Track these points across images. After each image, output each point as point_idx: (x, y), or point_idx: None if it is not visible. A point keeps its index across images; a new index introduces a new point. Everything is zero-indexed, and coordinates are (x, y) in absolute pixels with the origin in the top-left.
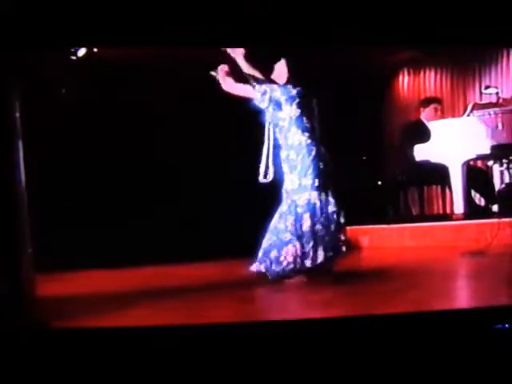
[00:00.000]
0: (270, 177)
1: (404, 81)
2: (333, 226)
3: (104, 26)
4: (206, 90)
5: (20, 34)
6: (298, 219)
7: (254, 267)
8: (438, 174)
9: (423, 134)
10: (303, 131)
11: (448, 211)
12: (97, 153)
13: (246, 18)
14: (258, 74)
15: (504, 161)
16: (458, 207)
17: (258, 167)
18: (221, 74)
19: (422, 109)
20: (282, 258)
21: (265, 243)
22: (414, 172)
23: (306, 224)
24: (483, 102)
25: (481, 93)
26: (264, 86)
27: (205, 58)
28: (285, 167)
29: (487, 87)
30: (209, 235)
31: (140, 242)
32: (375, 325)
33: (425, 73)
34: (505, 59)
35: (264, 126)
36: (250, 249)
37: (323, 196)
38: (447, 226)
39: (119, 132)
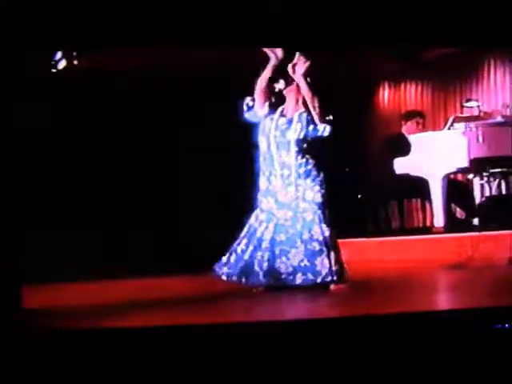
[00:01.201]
0: None
1: (385, 94)
2: None
3: (107, 25)
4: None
5: (20, 34)
6: (323, 230)
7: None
8: (418, 187)
9: (404, 148)
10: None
11: (428, 224)
12: (80, 168)
13: (248, 18)
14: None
15: (484, 174)
16: (438, 220)
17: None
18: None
19: (403, 122)
20: (318, 268)
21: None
22: (393, 185)
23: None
24: (464, 115)
25: (462, 106)
26: None
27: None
28: (301, 181)
29: (468, 100)
30: (197, 248)
31: (125, 254)
32: (374, 325)
33: (406, 86)
34: (486, 72)
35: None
36: None
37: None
38: (427, 239)
39: (100, 146)
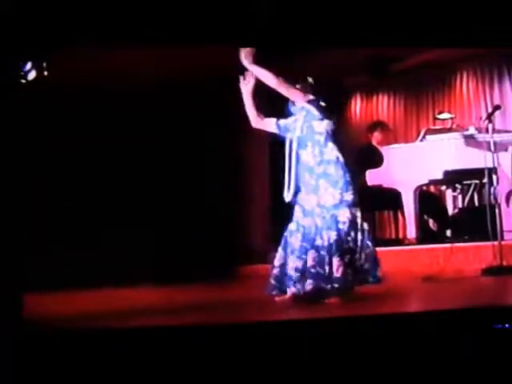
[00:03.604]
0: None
1: (357, 106)
2: (371, 244)
3: (105, 25)
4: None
5: (20, 34)
6: (342, 234)
7: (293, 289)
8: (389, 198)
9: (375, 159)
10: (338, 146)
11: (400, 236)
12: (81, 176)
13: (250, 18)
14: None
15: (457, 186)
16: (411, 232)
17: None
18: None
19: (370, 134)
20: (327, 274)
21: (294, 263)
22: (365, 196)
23: (352, 240)
24: (436, 127)
25: (434, 118)
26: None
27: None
28: (322, 182)
29: (440, 112)
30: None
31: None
32: (372, 325)
33: (378, 98)
34: (458, 84)
35: (284, 142)
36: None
37: (359, 212)
38: (400, 250)
39: (101, 151)
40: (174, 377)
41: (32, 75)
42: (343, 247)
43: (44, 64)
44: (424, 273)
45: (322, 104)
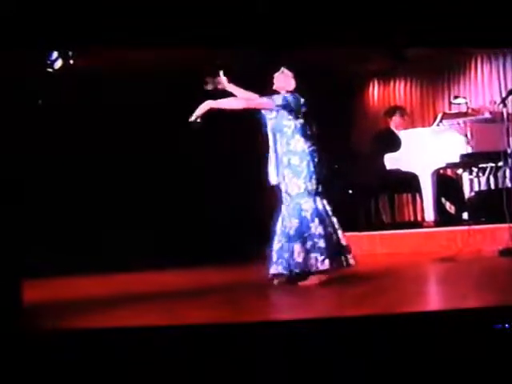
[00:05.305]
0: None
1: (374, 91)
2: (338, 230)
3: (107, 26)
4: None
5: (20, 34)
6: (305, 223)
7: (274, 270)
8: (408, 182)
9: (394, 143)
10: (306, 139)
11: (419, 218)
12: (75, 164)
13: (251, 19)
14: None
15: (473, 169)
16: (429, 215)
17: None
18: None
19: (389, 119)
20: (291, 260)
21: (275, 246)
22: (384, 180)
23: (314, 227)
24: (452, 111)
25: (450, 103)
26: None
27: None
28: (287, 172)
29: (456, 97)
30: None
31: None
32: (371, 325)
33: (394, 83)
34: (473, 69)
35: (266, 132)
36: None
37: (324, 201)
38: (418, 233)
39: (95, 139)
40: (175, 375)
41: (58, 64)
42: (304, 235)
43: (70, 53)
44: (442, 254)
45: (290, 105)
